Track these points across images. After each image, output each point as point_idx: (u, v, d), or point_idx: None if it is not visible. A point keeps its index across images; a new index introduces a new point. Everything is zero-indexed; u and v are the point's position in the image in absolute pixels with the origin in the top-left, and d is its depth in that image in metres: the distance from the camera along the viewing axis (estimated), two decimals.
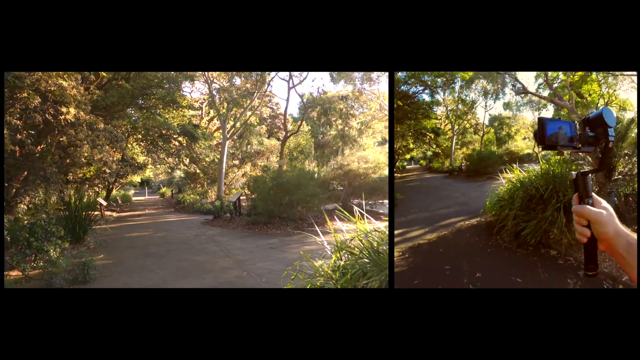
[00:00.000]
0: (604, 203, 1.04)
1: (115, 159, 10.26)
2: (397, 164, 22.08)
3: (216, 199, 16.44)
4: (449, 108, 22.47)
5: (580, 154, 1.23)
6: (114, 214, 15.50)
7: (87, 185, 14.55)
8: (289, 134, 14.44)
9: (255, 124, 20.60)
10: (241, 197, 13.64)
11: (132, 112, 13.92)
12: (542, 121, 1.07)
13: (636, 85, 12.29)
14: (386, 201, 14.88)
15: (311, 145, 22.63)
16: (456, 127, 23.41)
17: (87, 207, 8.90)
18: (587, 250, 1.05)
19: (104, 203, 14.20)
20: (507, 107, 24.33)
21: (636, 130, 5.83)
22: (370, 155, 15.24)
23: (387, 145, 23.04)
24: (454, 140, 23.89)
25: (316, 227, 4.74)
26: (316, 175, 14.51)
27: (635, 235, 0.98)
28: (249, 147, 19.91)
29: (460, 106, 21.67)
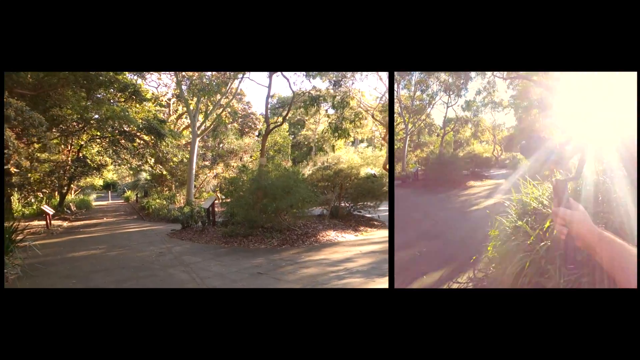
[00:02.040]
0: (579, 206, 1.16)
1: (69, 158, 8.30)
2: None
3: (185, 204, 13.95)
4: (402, 105, 20.63)
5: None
6: (65, 224, 12.74)
7: (29, 191, 11.95)
8: (271, 127, 12.22)
9: (227, 121, 18.29)
10: (215, 202, 11.26)
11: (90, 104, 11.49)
12: (531, 139, 1.25)
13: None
14: (382, 207, 12.98)
15: (289, 143, 20.43)
16: (410, 126, 21.54)
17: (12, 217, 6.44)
18: (567, 248, 1.16)
19: (50, 211, 11.52)
20: (467, 108, 23.54)
21: None
22: (344, 156, 13.31)
23: (360, 146, 21.85)
24: (407, 142, 22.10)
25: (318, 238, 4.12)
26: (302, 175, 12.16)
27: (607, 233, 1.09)
28: (221, 146, 17.45)
29: (416, 102, 19.93)
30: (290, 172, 10.04)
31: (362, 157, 13.17)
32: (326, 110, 19.80)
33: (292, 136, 24.25)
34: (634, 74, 2.83)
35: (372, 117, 18.53)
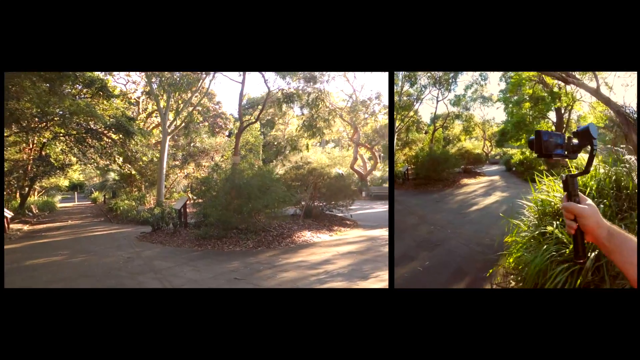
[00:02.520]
0: (589, 200, 1.16)
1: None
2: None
3: (155, 205, 13.26)
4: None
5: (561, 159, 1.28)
6: (25, 228, 11.86)
7: None
8: (245, 125, 11.65)
9: (198, 120, 17.63)
10: (187, 203, 10.69)
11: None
12: (539, 133, 1.21)
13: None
14: (353, 206, 12.76)
15: (260, 142, 19.91)
16: (398, 122, 21.18)
17: None
18: (576, 241, 1.16)
19: (9, 214, 10.69)
20: (457, 103, 21.91)
21: None
22: (312, 156, 13.02)
23: (328, 147, 21.63)
24: (395, 139, 21.25)
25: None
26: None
27: (616, 227, 1.10)
28: (192, 145, 16.76)
29: (404, 97, 19.40)
30: (265, 171, 9.62)
31: (330, 157, 12.92)
32: (300, 108, 19.48)
33: (262, 136, 23.52)
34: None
35: (341, 117, 18.29)
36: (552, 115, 15.84)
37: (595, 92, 10.42)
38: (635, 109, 9.84)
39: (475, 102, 22.27)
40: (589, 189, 3.68)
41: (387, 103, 19.84)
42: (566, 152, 1.23)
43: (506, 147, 24.83)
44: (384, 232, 10.16)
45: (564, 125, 15.22)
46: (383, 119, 21.74)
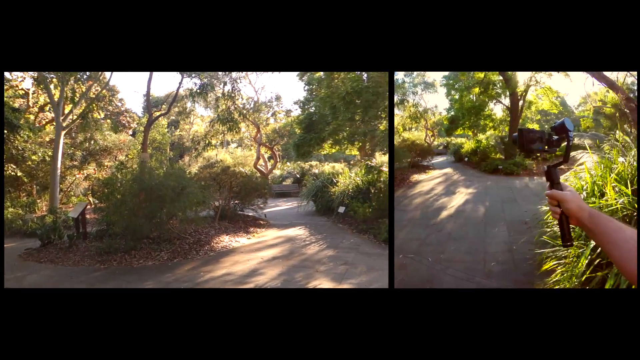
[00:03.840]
0: (570, 187, 1.20)
1: None
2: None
3: (47, 212, 11.01)
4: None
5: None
6: None
7: None
8: (155, 117, 10.04)
9: (98, 117, 15.40)
10: (87, 208, 8.92)
11: None
12: (521, 131, 1.27)
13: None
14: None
15: (167, 141, 18.14)
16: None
17: None
18: (562, 226, 1.20)
19: None
20: (395, 90, 19.09)
21: None
22: (217, 155, 12.15)
23: (231, 147, 20.70)
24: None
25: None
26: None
27: (596, 211, 1.13)
28: (92, 142, 14.50)
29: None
30: (179, 170, 8.24)
31: (233, 157, 12.07)
32: (205, 108, 18.09)
33: (170, 134, 21.56)
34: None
35: (245, 116, 17.50)
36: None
37: (599, 76, 10.20)
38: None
39: (417, 88, 19.92)
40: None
41: (286, 106, 19.43)
42: (547, 147, 1.28)
43: (453, 136, 23.29)
44: (297, 232, 9.63)
45: (520, 110, 14.76)
46: (284, 120, 21.45)
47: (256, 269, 6.02)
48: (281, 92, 34.77)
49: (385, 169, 11.34)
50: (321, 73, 16.42)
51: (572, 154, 6.22)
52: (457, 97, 17.43)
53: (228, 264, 6.33)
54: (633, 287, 2.99)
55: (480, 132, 19.44)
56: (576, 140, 7.79)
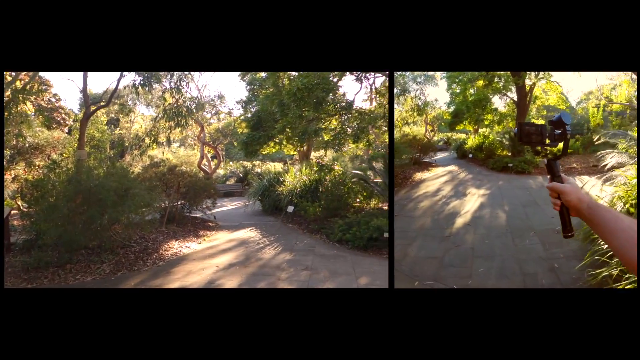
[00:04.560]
0: (570, 179, 1.21)
1: None
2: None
3: None
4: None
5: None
6: None
7: None
8: (95, 109, 8.61)
9: (29, 112, 13.49)
10: (12, 214, 7.59)
11: None
12: (521, 125, 1.27)
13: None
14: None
15: (108, 138, 16.53)
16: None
17: None
18: (562, 217, 1.20)
19: None
20: (396, 83, 17.11)
21: None
22: (159, 155, 11.32)
23: (174, 146, 19.93)
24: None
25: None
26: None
27: (596, 201, 1.12)
28: (21, 139, 12.62)
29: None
30: (121, 169, 7.20)
31: (176, 156, 11.27)
32: (147, 106, 16.80)
33: (109, 131, 19.75)
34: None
35: (190, 113, 16.57)
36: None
37: None
38: None
39: (417, 80, 18.93)
40: None
41: (229, 105, 18.55)
42: (548, 141, 1.26)
43: (454, 131, 21.71)
44: (249, 233, 9.16)
45: (528, 102, 13.71)
46: (226, 119, 20.70)
47: (213, 280, 5.47)
48: (223, 91, 33.39)
49: (336, 167, 11.12)
50: (262, 73, 15.82)
51: (601, 153, 6.18)
52: (457, 90, 16.20)
53: (180, 275, 5.70)
54: (632, 285, 3.06)
55: (482, 127, 18.14)
56: (603, 139, 7.54)
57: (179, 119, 9.34)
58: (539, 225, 6.10)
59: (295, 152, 22.13)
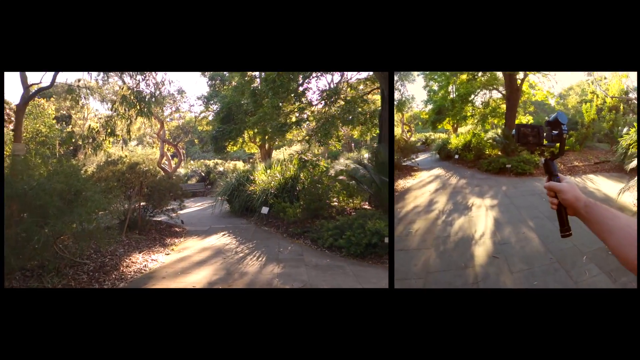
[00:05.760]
0: (567, 179, 1.19)
1: None
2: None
3: None
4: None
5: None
6: None
7: None
8: (32, 93, 6.56)
9: None
10: None
11: None
12: (518, 127, 1.24)
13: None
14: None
15: (56, 134, 14.22)
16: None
17: None
18: (560, 216, 1.18)
19: None
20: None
21: None
22: (118, 153, 9.81)
23: (131, 145, 18.51)
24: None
25: None
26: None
27: (593, 200, 1.10)
28: None
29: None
30: (71, 167, 5.38)
31: (135, 155, 9.74)
32: (101, 102, 14.83)
33: (58, 127, 17.27)
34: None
35: (149, 110, 14.86)
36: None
37: None
38: None
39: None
40: None
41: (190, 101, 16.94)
42: (546, 142, 1.23)
43: (431, 131, 20.00)
44: (222, 240, 7.87)
45: (519, 95, 12.52)
46: (186, 117, 19.07)
47: None
48: (182, 88, 31.23)
49: (322, 163, 9.96)
50: None
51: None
52: (435, 87, 14.97)
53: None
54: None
55: (462, 126, 16.64)
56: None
57: (142, 105, 7.63)
58: (584, 245, 4.47)
59: (257, 150, 20.78)
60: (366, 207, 9.27)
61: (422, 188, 9.60)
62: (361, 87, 11.81)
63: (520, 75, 12.20)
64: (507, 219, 6.29)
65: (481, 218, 6.40)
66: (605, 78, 11.88)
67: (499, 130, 13.54)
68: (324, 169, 9.72)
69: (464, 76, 13.54)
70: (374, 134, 12.88)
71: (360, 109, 10.67)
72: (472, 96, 13.86)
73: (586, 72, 12.47)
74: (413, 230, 6.00)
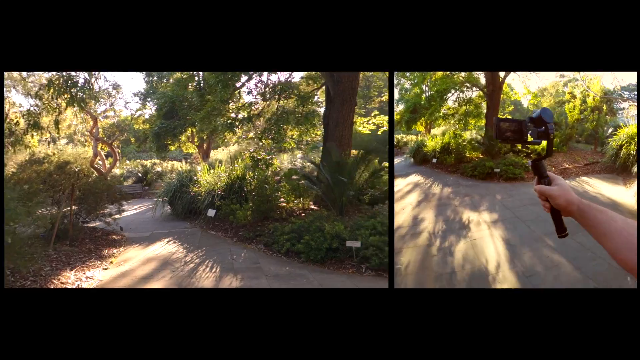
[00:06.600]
0: (558, 180, 1.11)
1: None
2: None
3: None
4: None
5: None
6: None
7: None
8: None
9: None
10: None
11: None
12: (497, 121, 1.15)
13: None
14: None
15: None
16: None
17: None
18: (554, 218, 1.11)
19: None
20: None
21: None
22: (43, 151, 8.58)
23: (61, 143, 16.02)
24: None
25: None
26: None
27: (586, 202, 1.03)
28: None
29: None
30: None
31: (64, 154, 8.56)
32: (26, 96, 12.91)
33: None
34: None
35: (81, 106, 13.24)
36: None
37: None
38: None
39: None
40: None
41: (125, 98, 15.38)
42: (531, 139, 1.14)
43: (404, 133, 18.56)
44: (167, 247, 7.02)
45: (501, 93, 11.84)
46: (121, 115, 17.55)
47: None
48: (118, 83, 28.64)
49: (274, 161, 9.37)
50: None
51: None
52: (407, 86, 13.92)
53: None
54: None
55: (436, 127, 15.48)
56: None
57: (74, 90, 6.39)
58: (618, 268, 3.52)
59: (195, 150, 19.59)
60: (313, 207, 8.90)
61: (400, 201, 7.88)
62: (302, 86, 11.37)
63: (502, 72, 11.52)
64: (519, 239, 5.08)
65: (486, 240, 5.06)
66: (577, 79, 12.15)
67: (480, 131, 12.48)
68: (277, 168, 9.17)
69: (440, 73, 12.14)
70: (313, 134, 12.57)
71: (307, 109, 10.27)
72: (449, 94, 12.94)
73: (558, 73, 12.77)
74: (402, 265, 4.46)
